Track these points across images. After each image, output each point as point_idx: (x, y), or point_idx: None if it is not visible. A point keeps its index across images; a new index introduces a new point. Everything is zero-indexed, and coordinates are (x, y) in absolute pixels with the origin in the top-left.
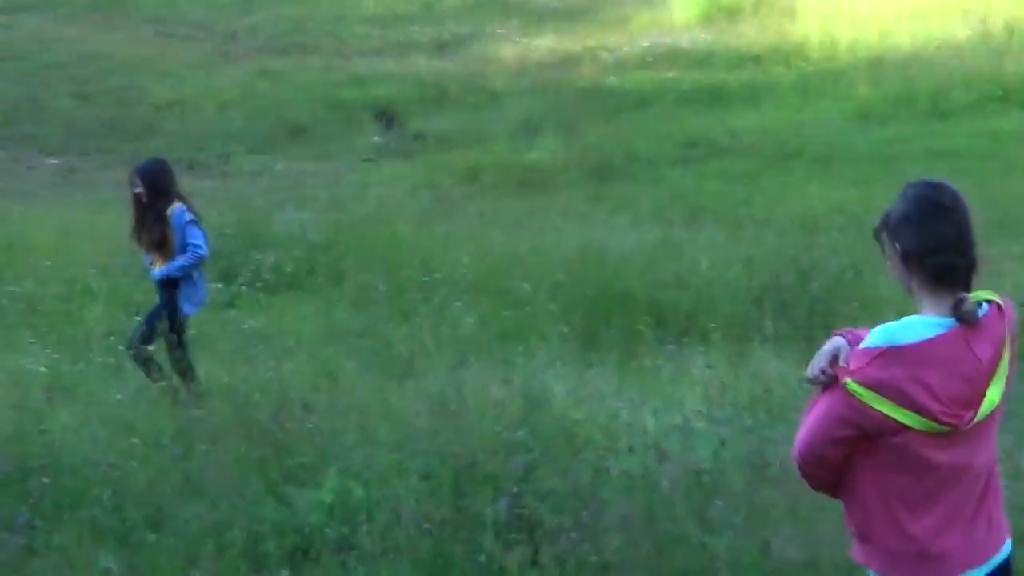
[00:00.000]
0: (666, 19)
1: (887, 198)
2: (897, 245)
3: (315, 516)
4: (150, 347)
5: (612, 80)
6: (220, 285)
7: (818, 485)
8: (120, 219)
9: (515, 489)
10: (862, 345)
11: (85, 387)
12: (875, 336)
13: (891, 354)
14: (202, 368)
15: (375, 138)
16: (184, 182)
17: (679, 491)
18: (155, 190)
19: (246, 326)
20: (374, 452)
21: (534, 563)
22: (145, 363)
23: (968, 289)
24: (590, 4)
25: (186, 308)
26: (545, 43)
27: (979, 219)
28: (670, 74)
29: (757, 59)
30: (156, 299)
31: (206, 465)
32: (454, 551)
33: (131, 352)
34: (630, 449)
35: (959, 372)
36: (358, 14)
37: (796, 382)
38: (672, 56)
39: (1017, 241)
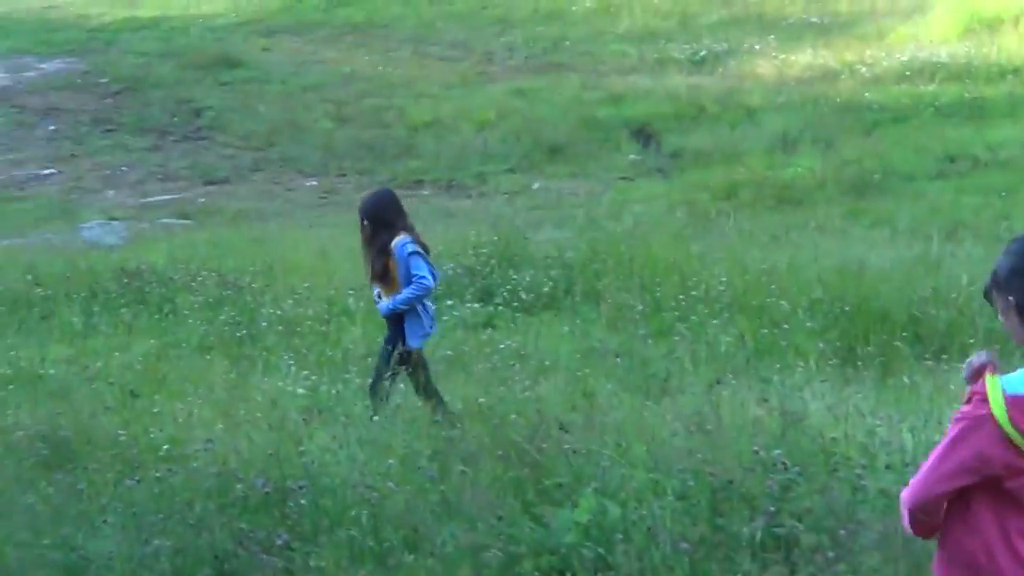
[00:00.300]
0: (924, 32)
1: None
2: (1010, 298)
3: (571, 536)
4: (386, 384)
5: (870, 95)
6: (477, 305)
7: (924, 531)
8: None
9: (772, 508)
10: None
11: (342, 408)
12: (1010, 383)
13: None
14: (459, 389)
15: (632, 156)
16: (441, 202)
17: None
18: (376, 222)
19: (503, 346)
20: (630, 471)
21: None
22: (376, 398)
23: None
24: (848, 19)
25: (411, 342)
26: (803, 58)
27: None
28: (928, 88)
29: (1017, 71)
30: (385, 333)
31: (463, 486)
32: (711, 570)
33: (370, 389)
34: (888, 467)
35: None
36: (614, 32)
37: None
38: (930, 70)
39: None
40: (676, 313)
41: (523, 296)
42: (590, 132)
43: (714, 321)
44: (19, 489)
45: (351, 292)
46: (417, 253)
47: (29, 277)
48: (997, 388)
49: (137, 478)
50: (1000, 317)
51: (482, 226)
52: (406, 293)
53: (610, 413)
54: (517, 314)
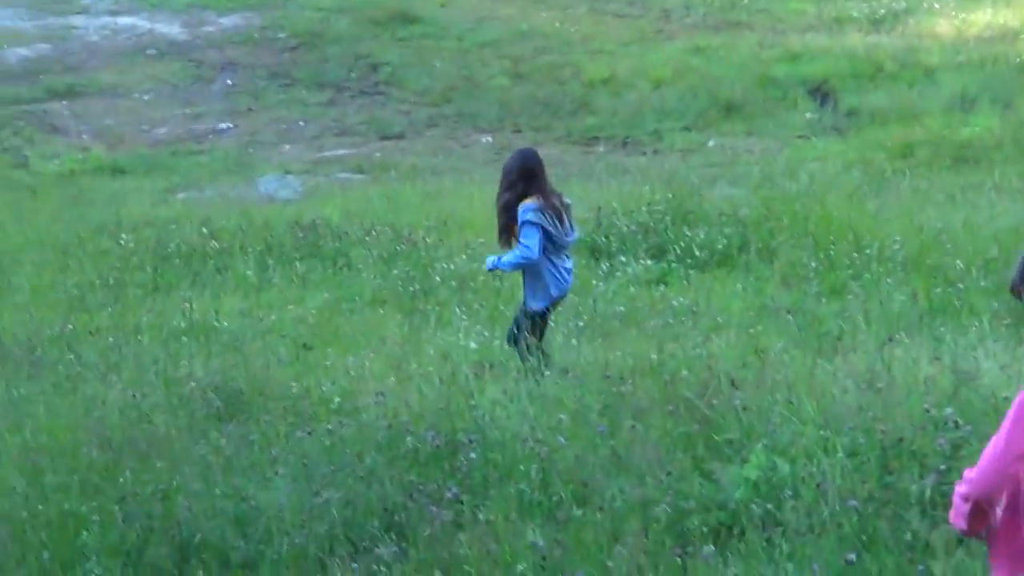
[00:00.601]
0: None
1: None
2: None
3: (740, 492)
4: (522, 343)
5: None
6: (651, 262)
7: (978, 526)
8: None
9: (942, 466)
10: None
11: (513, 363)
12: None
13: None
14: (631, 345)
15: (808, 114)
16: (616, 159)
17: None
18: (505, 180)
19: (675, 303)
20: (801, 428)
21: (960, 541)
22: (520, 352)
23: None
24: None
25: (531, 304)
26: (982, 17)
27: None
28: None
29: None
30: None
31: (632, 441)
32: (879, 527)
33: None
34: None
35: None
36: None
37: None
38: None
39: None
40: (850, 271)
41: (696, 253)
42: (766, 90)
43: (888, 279)
44: (192, 440)
45: None
46: (531, 223)
47: (204, 230)
48: None
49: (308, 430)
50: None
51: (657, 183)
52: (507, 257)
53: (781, 370)
54: (690, 271)
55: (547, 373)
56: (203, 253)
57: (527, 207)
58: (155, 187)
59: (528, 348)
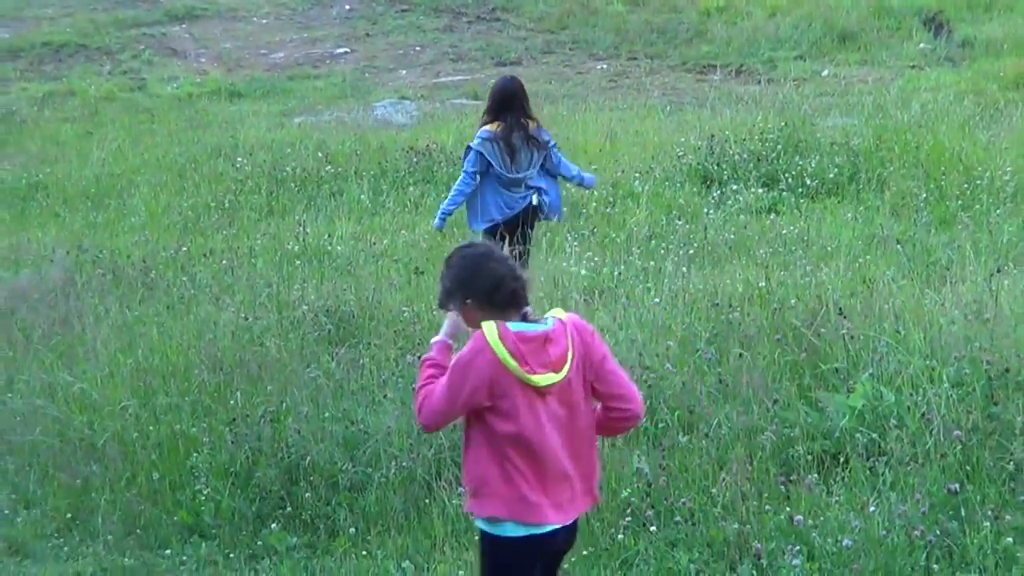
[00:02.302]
0: None
1: None
2: (468, 300)
3: (846, 421)
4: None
5: None
6: (762, 190)
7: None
8: (664, 124)
9: None
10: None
11: (624, 288)
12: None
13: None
14: (740, 272)
15: (922, 44)
16: (730, 87)
17: None
18: (486, 104)
19: (785, 231)
20: (907, 358)
21: None
22: None
23: (527, 304)
24: None
25: (472, 223)
26: None
27: None
28: None
29: None
30: None
31: (739, 369)
32: (983, 457)
33: None
34: None
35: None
36: None
37: None
38: None
39: None
40: (960, 202)
41: (807, 182)
42: (881, 20)
43: (997, 211)
44: (302, 363)
45: (637, 176)
46: (473, 149)
47: (320, 154)
48: (491, 329)
49: (418, 355)
50: (462, 319)
51: (770, 111)
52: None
53: (889, 300)
54: (801, 200)
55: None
56: (318, 177)
57: (479, 132)
58: (271, 111)
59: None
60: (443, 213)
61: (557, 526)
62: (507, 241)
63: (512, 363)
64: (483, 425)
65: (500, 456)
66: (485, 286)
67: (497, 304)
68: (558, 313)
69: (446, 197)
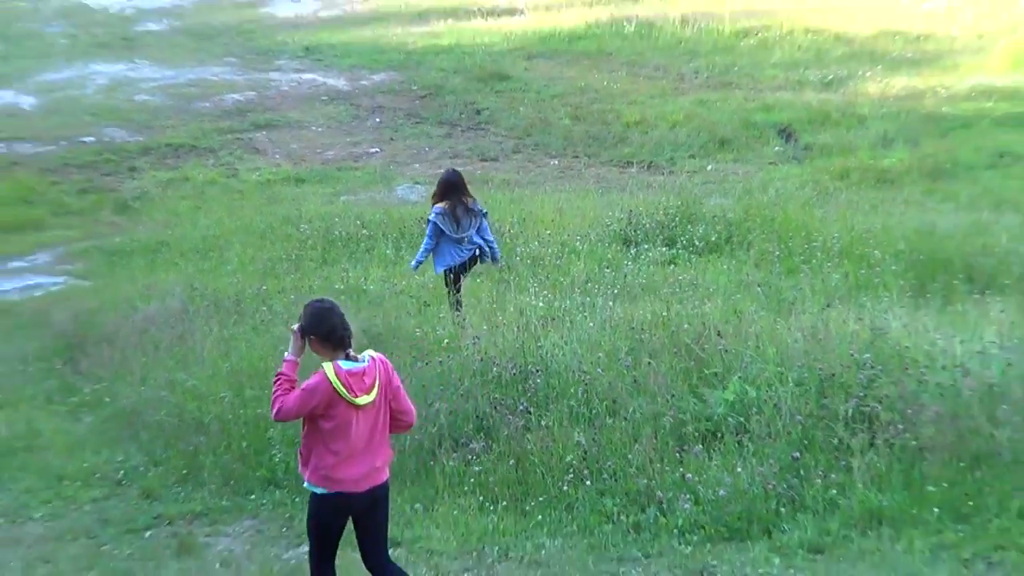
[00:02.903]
0: (988, 65)
1: None
2: (312, 337)
3: (722, 409)
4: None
5: (946, 109)
6: (664, 248)
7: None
8: (597, 203)
9: (861, 393)
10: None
11: (568, 316)
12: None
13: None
14: (649, 306)
15: (777, 148)
16: (643, 177)
17: (976, 397)
18: (436, 188)
19: (681, 277)
20: (764, 366)
21: (871, 444)
22: (449, 302)
23: (350, 347)
24: (933, 55)
25: (437, 267)
26: (900, 82)
27: None
28: (988, 104)
29: None
30: None
31: (648, 373)
32: (816, 435)
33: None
34: (943, 367)
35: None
36: (769, 61)
37: None
38: (990, 92)
39: None
40: (801, 257)
41: (696, 243)
42: (748, 130)
43: (828, 264)
44: None
45: (578, 238)
46: (431, 221)
47: (358, 222)
48: (330, 368)
49: (426, 362)
50: (311, 348)
51: (671, 194)
52: (415, 258)
53: (752, 325)
54: (692, 255)
55: (459, 312)
56: (357, 238)
57: (434, 209)
58: (325, 192)
59: (450, 295)
60: (417, 261)
61: (353, 492)
62: (455, 279)
63: (343, 392)
64: (314, 423)
65: (321, 443)
66: (324, 330)
67: (330, 343)
68: (372, 353)
69: (418, 250)
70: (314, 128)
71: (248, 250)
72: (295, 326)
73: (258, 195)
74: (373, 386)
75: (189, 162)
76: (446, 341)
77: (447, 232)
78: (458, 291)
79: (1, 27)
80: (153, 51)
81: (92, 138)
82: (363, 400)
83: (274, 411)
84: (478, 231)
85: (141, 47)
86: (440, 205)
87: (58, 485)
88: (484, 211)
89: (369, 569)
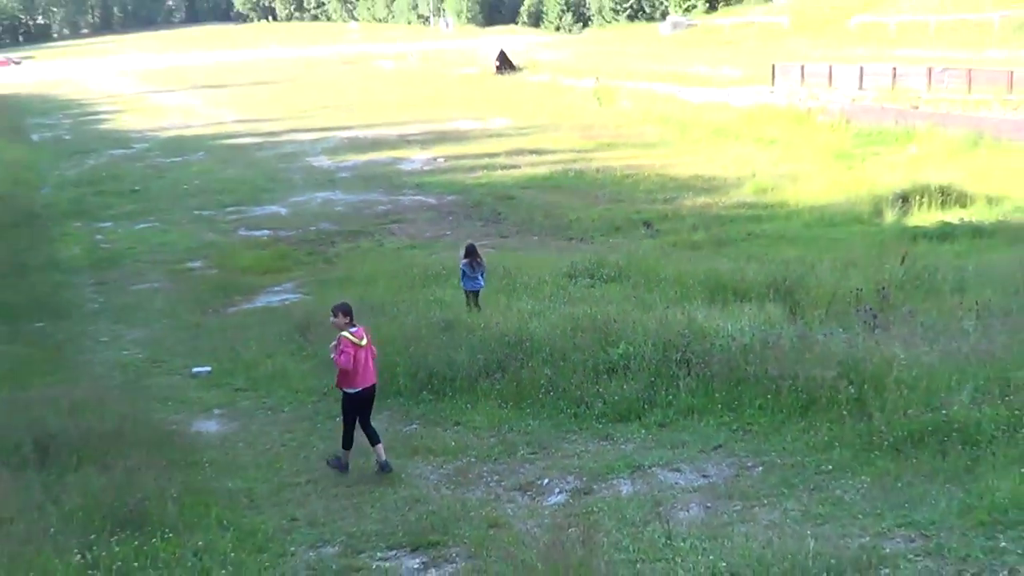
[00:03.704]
0: (744, 191)
1: None
2: (344, 316)
3: (616, 357)
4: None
5: (722, 212)
6: (588, 279)
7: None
8: (556, 257)
9: (684, 348)
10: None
11: (541, 312)
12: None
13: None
14: (580, 309)
15: (643, 231)
16: (577, 246)
17: (738, 350)
18: (463, 250)
19: (596, 294)
20: (636, 336)
21: (688, 374)
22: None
23: (354, 324)
24: (718, 185)
25: (464, 287)
26: (702, 199)
27: None
28: (743, 211)
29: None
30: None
31: (581, 339)
32: (661, 370)
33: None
34: (722, 336)
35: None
36: (639, 189)
37: None
38: (745, 205)
39: None
40: (655, 283)
41: (604, 276)
42: (629, 223)
43: (667, 286)
44: (441, 336)
45: (546, 274)
46: (461, 268)
47: (441, 268)
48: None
49: (473, 333)
50: (337, 325)
51: (591, 254)
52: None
53: (630, 316)
54: (600, 282)
55: (477, 308)
56: (440, 274)
57: (462, 262)
58: (424, 252)
59: (468, 306)
60: (463, 284)
61: (365, 387)
62: (472, 296)
63: (354, 340)
64: (351, 358)
65: (353, 367)
66: (350, 313)
67: (349, 319)
68: (362, 325)
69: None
70: (419, 222)
71: (386, 281)
72: (332, 319)
73: (392, 255)
74: (364, 337)
75: (359, 239)
76: (483, 324)
77: (467, 273)
78: (476, 302)
79: (272, 176)
80: (344, 186)
81: (314, 228)
82: (363, 342)
83: (343, 360)
84: (481, 275)
85: (338, 184)
86: (464, 260)
87: (295, 394)
88: (484, 266)
89: (362, 427)
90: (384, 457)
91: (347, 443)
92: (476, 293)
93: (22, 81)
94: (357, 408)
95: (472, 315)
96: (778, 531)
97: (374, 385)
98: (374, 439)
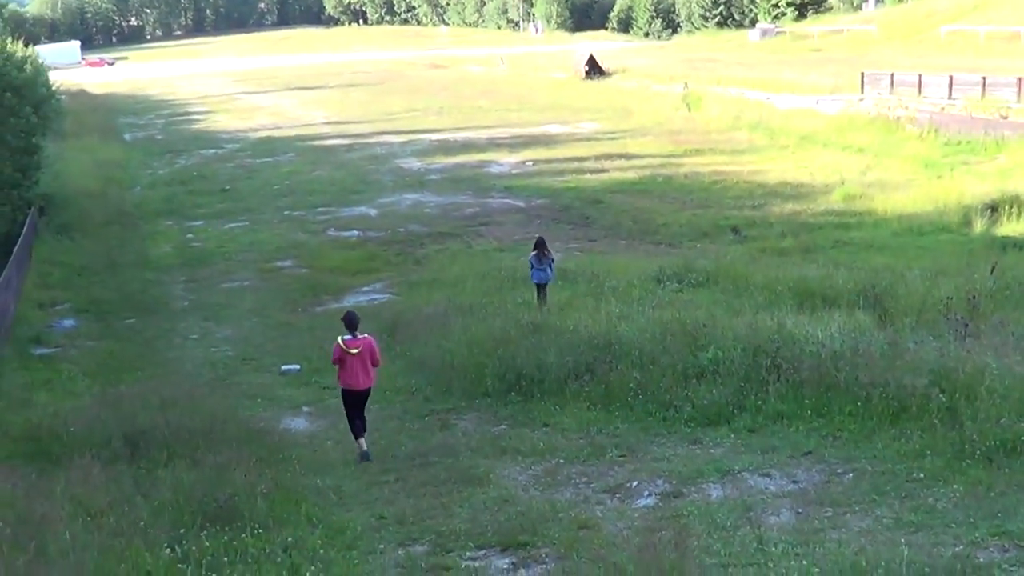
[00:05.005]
0: (832, 200)
1: None
2: (344, 322)
3: (706, 361)
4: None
5: (811, 219)
6: (676, 284)
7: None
8: (643, 261)
9: (773, 354)
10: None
11: (630, 315)
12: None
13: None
14: (669, 313)
15: (731, 237)
16: (664, 251)
17: (828, 356)
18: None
19: (685, 299)
20: (725, 340)
21: (778, 379)
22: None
23: (356, 329)
24: (805, 192)
25: (532, 278)
26: (789, 206)
27: None
28: (831, 218)
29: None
30: None
31: (669, 343)
32: (750, 375)
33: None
34: (812, 342)
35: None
36: (727, 195)
37: None
38: (833, 212)
39: None
40: (743, 289)
41: (692, 282)
42: (717, 228)
43: (756, 292)
44: (522, 338)
45: (634, 278)
46: (530, 261)
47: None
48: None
49: (562, 336)
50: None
51: (679, 259)
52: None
53: (719, 321)
54: (688, 287)
55: (541, 308)
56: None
57: (531, 255)
58: (512, 255)
59: (536, 298)
60: (532, 276)
61: (348, 387)
62: (539, 288)
63: (343, 346)
64: (340, 362)
65: (342, 369)
66: (346, 322)
67: (347, 328)
68: (366, 334)
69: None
70: (507, 225)
71: (475, 283)
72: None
73: (481, 257)
74: (358, 347)
75: (448, 241)
76: (572, 327)
77: (535, 265)
78: (544, 295)
79: (362, 177)
80: (433, 187)
81: (403, 229)
82: (353, 351)
83: (333, 359)
84: (549, 266)
85: (427, 186)
86: (533, 252)
87: (384, 394)
88: (552, 258)
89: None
90: (364, 448)
91: (353, 431)
92: (544, 286)
93: (115, 81)
94: (348, 403)
95: (547, 316)
96: (871, 538)
97: (365, 389)
98: (359, 432)
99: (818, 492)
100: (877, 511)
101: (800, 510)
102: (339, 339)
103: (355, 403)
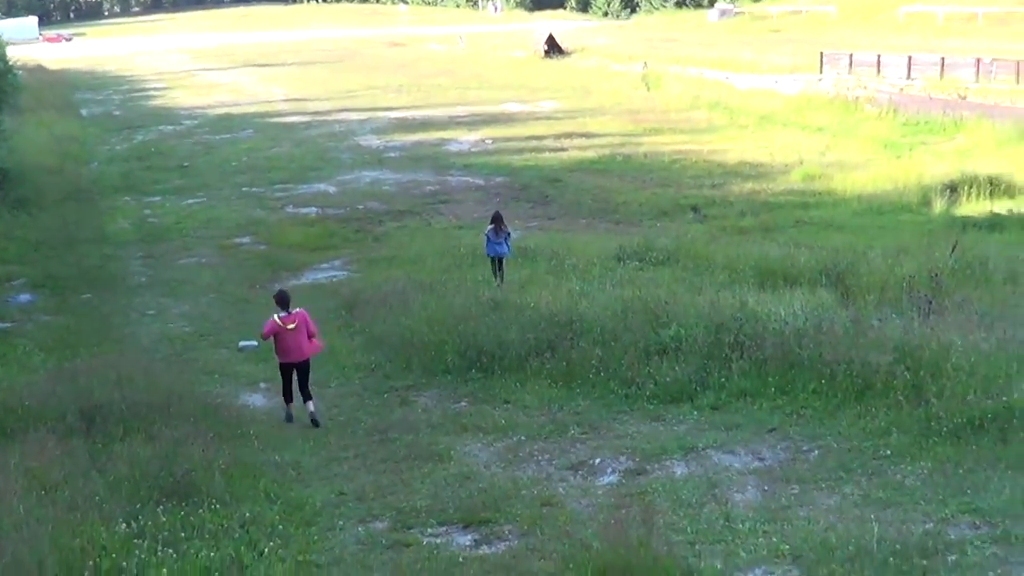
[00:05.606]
0: (791, 179)
1: None
2: (275, 300)
3: (667, 339)
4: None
5: (770, 199)
6: (637, 262)
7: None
8: (603, 240)
9: (736, 331)
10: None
11: (590, 293)
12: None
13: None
14: (629, 291)
15: (690, 216)
16: (624, 229)
17: (791, 334)
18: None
19: (645, 277)
20: (687, 318)
21: (741, 356)
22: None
23: (288, 306)
24: (765, 171)
25: (486, 252)
26: (749, 185)
27: None
28: (791, 197)
29: None
30: None
31: (631, 320)
32: (712, 351)
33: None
34: (775, 319)
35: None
36: (687, 175)
37: None
38: (793, 192)
39: None
40: (703, 267)
41: (652, 259)
42: (676, 207)
43: (717, 270)
44: (490, 312)
45: (594, 256)
46: (485, 234)
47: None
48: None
49: (522, 312)
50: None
51: (639, 237)
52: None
53: (680, 299)
54: (649, 265)
55: (498, 284)
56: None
57: (488, 229)
58: (472, 234)
59: (493, 274)
60: (485, 249)
61: (286, 360)
62: (495, 263)
63: (277, 322)
64: (277, 337)
65: (278, 343)
66: (277, 299)
67: (280, 305)
68: (298, 309)
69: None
70: (466, 203)
71: (434, 260)
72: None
73: (440, 234)
74: (294, 322)
75: (407, 219)
76: (532, 304)
77: (491, 239)
78: (500, 269)
79: (320, 154)
80: (392, 165)
81: (362, 207)
82: (290, 326)
83: (263, 334)
84: (506, 240)
85: (386, 163)
86: (490, 227)
87: (342, 370)
88: (508, 232)
89: (299, 388)
90: (312, 411)
91: (285, 397)
92: (500, 260)
93: (73, 57)
94: (285, 373)
95: (505, 292)
96: (839, 515)
97: (303, 360)
98: (307, 397)
99: (784, 469)
100: (844, 488)
101: (766, 487)
102: (274, 316)
103: (297, 373)
